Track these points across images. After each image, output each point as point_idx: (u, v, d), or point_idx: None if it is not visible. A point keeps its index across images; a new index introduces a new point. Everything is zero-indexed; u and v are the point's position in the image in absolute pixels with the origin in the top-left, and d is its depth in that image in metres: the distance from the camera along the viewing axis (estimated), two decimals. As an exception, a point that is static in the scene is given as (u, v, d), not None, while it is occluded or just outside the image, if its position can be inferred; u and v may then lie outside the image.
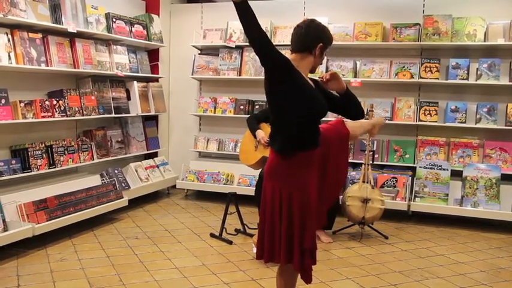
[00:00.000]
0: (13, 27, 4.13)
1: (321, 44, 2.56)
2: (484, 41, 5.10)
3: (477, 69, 5.13)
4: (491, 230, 4.97)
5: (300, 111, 2.47)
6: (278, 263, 2.62)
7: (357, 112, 2.77)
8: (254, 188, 4.86)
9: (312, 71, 2.64)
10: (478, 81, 5.12)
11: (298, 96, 2.45)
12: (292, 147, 2.49)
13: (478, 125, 5.15)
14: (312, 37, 2.56)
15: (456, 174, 5.15)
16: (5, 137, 4.30)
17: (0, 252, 3.83)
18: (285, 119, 2.49)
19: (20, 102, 4.18)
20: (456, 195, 5.10)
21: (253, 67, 5.91)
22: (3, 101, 4.00)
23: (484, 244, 4.57)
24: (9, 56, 4.05)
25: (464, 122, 5.20)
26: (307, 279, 2.59)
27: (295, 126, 2.49)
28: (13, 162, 4.15)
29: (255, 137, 4.70)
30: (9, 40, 4.07)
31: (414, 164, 5.33)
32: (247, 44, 5.89)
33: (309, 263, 2.55)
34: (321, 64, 2.93)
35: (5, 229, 3.79)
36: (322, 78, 2.67)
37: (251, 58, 5.93)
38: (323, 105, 2.59)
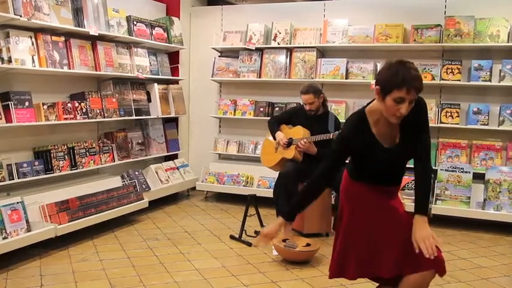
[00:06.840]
0: (37, 31, 4.20)
1: (377, 86, 2.24)
2: (508, 42, 5.02)
3: (500, 70, 5.05)
4: (514, 234, 4.89)
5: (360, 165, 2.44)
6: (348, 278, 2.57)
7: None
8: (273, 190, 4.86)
9: (391, 119, 2.25)
10: (501, 83, 5.04)
11: (360, 157, 2.40)
12: (355, 176, 2.47)
13: (501, 127, 5.07)
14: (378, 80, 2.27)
15: (478, 177, 5.07)
16: (28, 138, 4.37)
17: (24, 253, 3.89)
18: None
19: (43, 104, 4.24)
20: (478, 199, 5.02)
21: (273, 69, 5.90)
22: (26, 104, 4.07)
23: (507, 248, 4.50)
24: (32, 59, 4.11)
25: (487, 124, 5.12)
26: None
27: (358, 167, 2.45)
28: (36, 163, 4.22)
29: (275, 139, 4.71)
30: (33, 43, 4.13)
31: (435, 166, 5.26)
32: (267, 46, 5.92)
33: None
34: (398, 115, 2.21)
35: (28, 229, 3.85)
36: None
37: (271, 60, 5.92)
38: (384, 163, 2.36)
